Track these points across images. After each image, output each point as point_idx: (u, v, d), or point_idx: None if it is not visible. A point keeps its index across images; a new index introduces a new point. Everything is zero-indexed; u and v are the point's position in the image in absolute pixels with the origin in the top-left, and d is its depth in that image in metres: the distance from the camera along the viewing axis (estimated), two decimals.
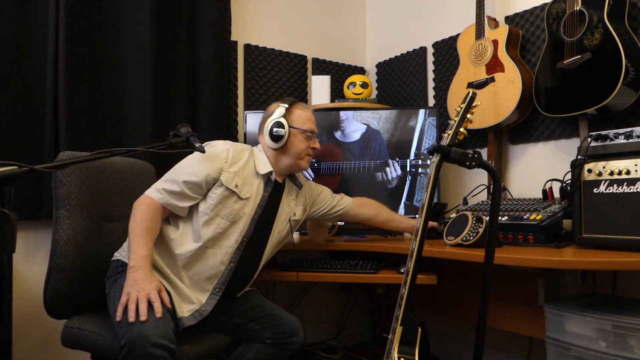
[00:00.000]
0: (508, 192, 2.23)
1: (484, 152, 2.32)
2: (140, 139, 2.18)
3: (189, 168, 1.58)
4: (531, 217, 1.70)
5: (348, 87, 2.72)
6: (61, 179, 1.61)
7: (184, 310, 1.53)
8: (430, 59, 2.73)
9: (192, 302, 1.56)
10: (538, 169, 2.18)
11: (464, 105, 1.37)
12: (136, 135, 2.19)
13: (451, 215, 1.95)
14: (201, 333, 1.57)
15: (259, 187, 1.68)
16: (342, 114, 2.46)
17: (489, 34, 2.19)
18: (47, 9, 1.98)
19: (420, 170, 2.37)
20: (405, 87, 2.88)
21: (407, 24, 2.90)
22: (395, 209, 2.32)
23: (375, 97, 2.90)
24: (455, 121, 1.36)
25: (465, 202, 2.23)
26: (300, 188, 1.84)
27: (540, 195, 1.95)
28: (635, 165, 1.48)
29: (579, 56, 1.83)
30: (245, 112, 2.46)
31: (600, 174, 1.55)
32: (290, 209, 1.79)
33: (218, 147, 1.63)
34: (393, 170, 2.39)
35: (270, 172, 1.70)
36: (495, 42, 2.16)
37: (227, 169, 1.60)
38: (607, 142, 1.58)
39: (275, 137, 1.68)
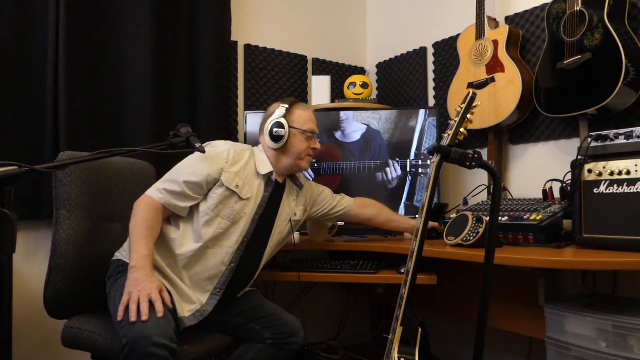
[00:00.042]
0: (508, 192, 2.23)
1: (484, 152, 2.32)
2: (140, 139, 2.18)
3: (190, 168, 1.58)
4: (531, 217, 1.70)
5: (348, 87, 2.72)
6: (61, 179, 1.61)
7: (185, 310, 1.53)
8: (430, 59, 2.73)
9: (193, 302, 1.56)
10: (538, 169, 2.18)
11: (464, 105, 1.37)
12: (136, 135, 2.19)
13: (451, 215, 1.95)
14: (201, 333, 1.58)
15: (259, 187, 1.68)
16: (342, 114, 2.46)
17: (489, 34, 2.19)
18: (47, 9, 1.98)
19: (420, 170, 2.36)
20: (405, 87, 2.87)
21: (407, 24, 2.90)
22: (395, 209, 2.32)
23: (375, 97, 2.90)
24: (455, 121, 1.36)
25: (465, 202, 2.23)
26: (301, 188, 1.84)
27: (540, 195, 1.95)
28: (635, 165, 1.48)
29: (579, 56, 1.83)
30: (245, 112, 2.46)
31: (600, 174, 1.56)
32: (291, 209, 1.79)
33: (218, 147, 1.63)
34: (393, 170, 2.39)
35: (271, 172, 1.70)
36: (495, 42, 2.16)
37: (228, 169, 1.60)
38: (607, 142, 1.58)
39: (275, 137, 1.68)
